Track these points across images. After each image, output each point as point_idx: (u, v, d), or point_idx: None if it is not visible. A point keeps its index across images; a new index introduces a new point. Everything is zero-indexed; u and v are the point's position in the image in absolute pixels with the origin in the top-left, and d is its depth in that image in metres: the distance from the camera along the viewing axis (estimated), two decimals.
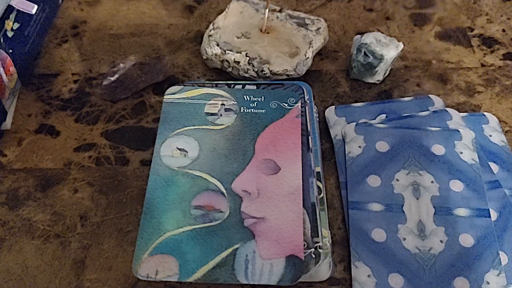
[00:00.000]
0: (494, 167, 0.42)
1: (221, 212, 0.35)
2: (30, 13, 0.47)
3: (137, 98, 0.49)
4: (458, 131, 0.44)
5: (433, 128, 0.44)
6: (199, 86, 0.43)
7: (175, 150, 0.38)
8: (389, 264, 0.37)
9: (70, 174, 0.43)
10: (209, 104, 0.41)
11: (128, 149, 0.45)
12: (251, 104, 0.41)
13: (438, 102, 0.48)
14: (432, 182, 0.41)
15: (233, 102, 0.41)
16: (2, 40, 0.45)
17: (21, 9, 0.46)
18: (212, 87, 0.43)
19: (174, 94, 0.42)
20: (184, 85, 0.43)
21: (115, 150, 0.45)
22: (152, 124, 0.46)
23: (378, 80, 0.50)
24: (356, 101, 0.49)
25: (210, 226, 0.34)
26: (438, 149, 0.42)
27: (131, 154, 0.44)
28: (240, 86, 0.44)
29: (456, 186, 0.40)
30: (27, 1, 0.47)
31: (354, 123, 0.45)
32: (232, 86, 0.43)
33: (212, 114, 0.40)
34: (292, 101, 0.41)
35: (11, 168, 0.44)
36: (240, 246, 0.34)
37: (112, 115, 0.47)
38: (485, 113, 0.47)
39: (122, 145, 0.45)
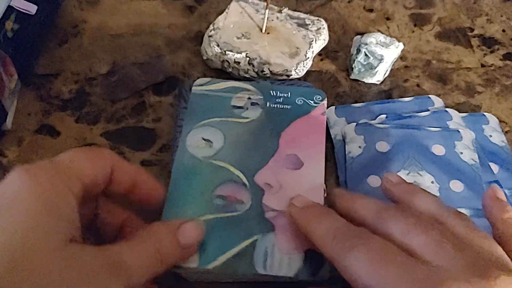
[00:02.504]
0: (494, 167, 0.42)
1: (243, 203, 0.35)
2: (30, 13, 0.47)
3: (137, 98, 0.49)
4: (458, 131, 0.44)
5: (433, 128, 0.44)
6: (227, 79, 0.43)
7: (201, 140, 0.38)
8: None
9: None
10: (236, 97, 0.41)
11: (128, 149, 0.45)
12: (277, 100, 0.41)
13: (438, 102, 0.48)
14: (432, 182, 0.41)
15: (260, 97, 0.41)
16: (2, 41, 0.45)
17: (21, 9, 0.46)
18: (240, 80, 0.43)
19: (202, 86, 0.42)
20: (212, 78, 0.44)
21: (115, 150, 0.45)
22: (152, 124, 0.46)
23: (378, 80, 0.50)
24: (356, 101, 0.49)
25: (232, 216, 0.34)
26: (438, 149, 0.42)
27: (131, 155, 0.45)
28: (268, 82, 0.45)
29: (456, 186, 0.40)
30: (27, 1, 0.47)
31: (354, 123, 0.45)
32: (258, 82, 0.43)
33: (238, 107, 0.41)
34: (318, 98, 0.41)
35: (11, 168, 0.44)
36: (260, 238, 0.33)
37: (112, 115, 0.47)
38: (485, 113, 0.47)
39: (122, 145, 0.45)
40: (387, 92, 0.50)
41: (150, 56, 0.52)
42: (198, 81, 0.42)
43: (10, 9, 0.46)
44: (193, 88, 0.42)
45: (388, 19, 0.57)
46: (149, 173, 0.33)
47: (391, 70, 0.51)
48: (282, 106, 0.41)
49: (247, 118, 0.40)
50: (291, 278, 0.32)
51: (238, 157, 0.37)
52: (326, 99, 0.41)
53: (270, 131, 0.39)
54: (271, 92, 0.42)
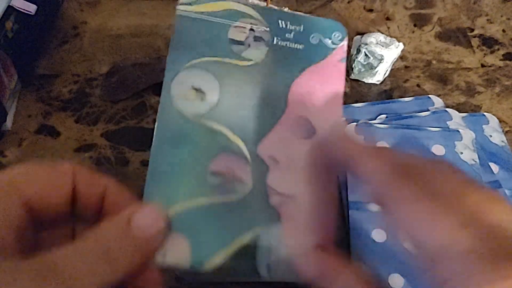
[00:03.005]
0: (495, 167, 0.42)
1: (243, 182, 0.28)
2: (29, 13, 0.47)
3: (137, 99, 0.49)
4: (458, 131, 0.44)
5: (433, 129, 0.44)
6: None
7: (190, 90, 0.29)
8: (389, 265, 0.37)
9: None
10: (235, 26, 0.31)
11: (128, 149, 0.45)
12: (287, 35, 0.31)
13: (438, 103, 0.48)
14: None
15: (265, 28, 0.31)
16: (2, 41, 0.45)
17: (20, 9, 0.46)
18: (239, 3, 0.32)
19: (190, 5, 0.30)
20: None
21: (115, 150, 0.45)
22: (152, 125, 0.46)
23: (378, 81, 0.50)
24: (356, 101, 0.49)
25: (230, 202, 0.27)
26: (438, 150, 0.42)
27: (131, 155, 0.45)
28: (276, 9, 0.34)
29: None
30: (27, 1, 0.47)
31: (354, 123, 0.45)
32: (263, 7, 0.33)
33: (238, 43, 0.30)
34: (338, 37, 0.31)
35: None
36: (264, 230, 0.27)
37: (112, 116, 0.47)
38: (485, 113, 0.47)
39: (122, 146, 0.45)
40: (387, 92, 0.50)
41: (150, 57, 0.52)
42: None
43: (10, 9, 0.46)
44: (178, 8, 0.30)
45: (388, 19, 0.57)
46: (122, 186, 0.27)
47: (391, 70, 0.51)
48: (293, 45, 0.31)
49: (248, 60, 0.30)
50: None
51: (237, 117, 0.29)
52: (346, 38, 0.32)
53: (277, 81, 0.30)
54: (280, 22, 0.31)
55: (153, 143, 0.28)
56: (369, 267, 0.36)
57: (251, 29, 0.31)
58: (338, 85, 0.30)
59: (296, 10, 0.54)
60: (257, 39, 0.31)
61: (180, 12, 0.30)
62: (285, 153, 0.29)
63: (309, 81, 0.30)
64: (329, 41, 0.31)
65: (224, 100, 0.29)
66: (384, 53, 0.48)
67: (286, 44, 0.31)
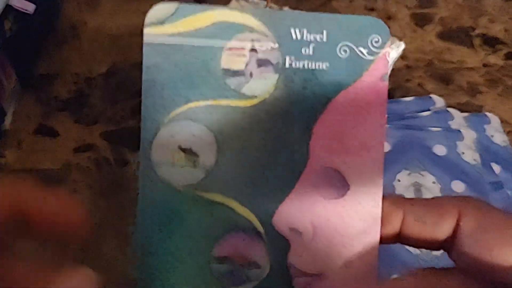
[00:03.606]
0: (496, 167, 0.42)
1: (258, 266, 0.22)
2: (28, 12, 0.47)
3: (136, 99, 0.48)
4: (460, 131, 0.43)
5: (434, 129, 0.44)
6: (208, 6, 0.22)
7: (177, 152, 0.22)
8: (391, 267, 0.36)
9: (69, 175, 0.43)
10: (230, 48, 0.22)
11: (128, 150, 0.45)
12: (304, 50, 0.22)
13: (440, 102, 0.47)
14: (433, 182, 0.40)
15: (272, 45, 0.22)
16: (0, 41, 0.44)
17: (19, 8, 0.46)
18: (233, 10, 0.22)
19: (162, 25, 0.21)
20: (181, 4, 0.22)
21: (114, 151, 0.45)
22: None
23: None
24: None
25: None
26: (440, 150, 0.42)
27: (130, 156, 0.44)
28: (285, 10, 0.24)
29: (458, 187, 0.40)
30: (26, 1, 0.47)
31: None
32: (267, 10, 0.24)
33: (235, 73, 0.22)
34: (377, 42, 0.22)
35: (10, 169, 0.44)
36: None
37: (112, 116, 0.47)
38: (487, 113, 0.47)
39: (122, 147, 0.45)
40: (389, 92, 0.49)
41: None
42: (154, 14, 0.21)
43: (8, 8, 0.46)
44: (146, 33, 0.21)
45: (389, 18, 0.57)
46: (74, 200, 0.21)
47: (393, 70, 0.51)
48: (314, 65, 0.22)
49: (252, 97, 0.22)
50: None
51: (242, 182, 0.22)
52: (389, 42, 0.23)
53: (293, 122, 0.22)
54: (293, 32, 0.22)
55: (136, 226, 0.22)
56: None
57: (253, 49, 0.22)
58: (379, 116, 0.22)
59: (295, 8, 0.54)
60: (262, 63, 0.22)
61: (149, 39, 0.21)
62: (310, 221, 0.22)
63: (338, 115, 0.22)
64: (365, 51, 0.22)
65: (224, 160, 0.22)
66: None
67: (303, 65, 0.22)
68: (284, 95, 0.22)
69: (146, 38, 0.21)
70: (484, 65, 0.52)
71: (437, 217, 0.21)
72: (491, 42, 0.55)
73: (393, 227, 0.21)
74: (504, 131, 0.45)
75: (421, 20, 0.57)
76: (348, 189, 0.22)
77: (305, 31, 0.22)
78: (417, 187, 0.40)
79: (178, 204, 0.22)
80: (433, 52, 0.53)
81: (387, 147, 0.42)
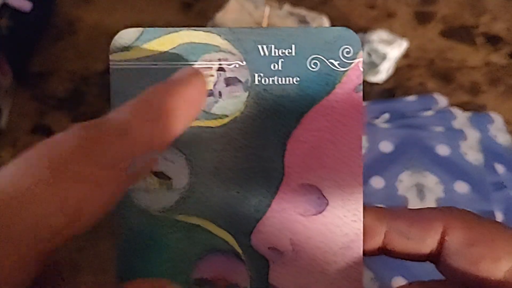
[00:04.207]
0: (500, 168, 0.42)
1: (238, 287, 0.22)
2: (24, 11, 0.47)
3: None
4: (463, 131, 0.43)
5: (437, 128, 0.43)
6: (171, 28, 0.22)
7: (150, 177, 0.22)
8: (393, 268, 0.36)
9: None
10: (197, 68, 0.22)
11: None
12: (273, 66, 0.22)
13: (442, 102, 0.47)
14: (436, 183, 0.40)
15: (240, 63, 0.22)
16: None
17: (15, 7, 0.45)
18: (198, 31, 0.22)
19: (127, 51, 0.22)
20: (145, 28, 0.22)
21: None
22: None
23: (381, 79, 0.49)
24: None
25: None
26: (443, 150, 0.42)
27: None
28: (251, 28, 0.24)
29: (461, 187, 0.40)
30: (23, 0, 0.46)
31: None
32: (232, 29, 0.23)
33: None
34: (348, 52, 0.22)
35: None
36: None
37: None
38: (490, 113, 0.46)
39: None
40: (390, 91, 0.49)
41: None
42: (120, 38, 0.22)
43: (4, 6, 0.45)
44: (111, 59, 0.22)
45: (391, 16, 0.57)
46: None
47: (394, 68, 0.51)
48: (284, 81, 0.22)
49: (222, 116, 0.22)
50: None
51: (218, 202, 0.22)
52: (361, 52, 0.22)
53: (267, 139, 0.22)
54: (260, 48, 0.22)
55: (116, 254, 0.21)
56: (371, 271, 0.36)
57: (220, 69, 0.22)
58: (355, 128, 0.22)
59: (295, 6, 0.54)
60: (230, 82, 0.22)
61: (116, 65, 0.22)
62: (289, 239, 0.22)
63: (313, 130, 0.22)
64: (336, 63, 0.22)
65: (198, 181, 0.22)
66: (387, 52, 0.47)
67: (273, 81, 0.22)
68: (255, 112, 0.22)
69: (112, 64, 0.22)
70: (486, 64, 0.52)
71: (421, 232, 0.20)
72: (493, 40, 0.54)
73: (376, 241, 0.21)
74: (507, 130, 0.45)
75: (422, 18, 0.57)
76: (327, 204, 0.22)
77: (272, 47, 0.22)
78: (420, 187, 0.40)
79: (156, 228, 0.21)
80: (434, 51, 0.53)
81: (389, 147, 0.42)
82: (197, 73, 0.19)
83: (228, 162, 0.22)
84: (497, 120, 0.46)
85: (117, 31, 0.21)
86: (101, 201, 0.17)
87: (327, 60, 0.22)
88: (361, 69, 0.22)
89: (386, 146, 0.42)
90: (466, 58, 0.53)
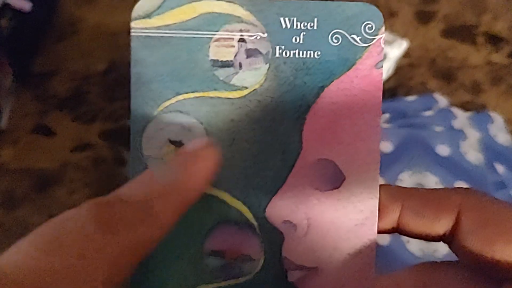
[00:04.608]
0: (500, 167, 0.42)
1: (251, 259, 0.22)
2: (25, 11, 0.47)
3: None
4: (463, 131, 0.43)
5: (437, 128, 0.43)
6: (193, 0, 0.22)
7: (167, 146, 0.22)
8: (392, 268, 0.36)
9: (67, 174, 0.43)
10: (218, 39, 0.22)
11: (126, 149, 0.44)
12: (294, 39, 0.22)
13: (442, 101, 0.47)
14: (436, 183, 0.40)
15: (261, 34, 0.22)
16: None
17: (16, 7, 0.45)
18: (220, 0, 0.22)
19: (149, 18, 0.21)
20: None
21: (112, 150, 0.44)
22: None
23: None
24: None
25: (236, 285, 0.22)
26: (443, 150, 0.42)
27: (128, 155, 0.44)
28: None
29: (461, 187, 0.40)
30: (23, 0, 0.46)
31: None
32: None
33: (224, 64, 0.22)
34: (370, 28, 0.22)
35: (6, 169, 0.43)
36: None
37: (110, 115, 0.47)
38: (490, 112, 0.46)
39: (120, 146, 0.44)
40: (391, 90, 0.49)
41: None
42: (141, 6, 0.21)
43: (5, 6, 0.45)
44: (133, 26, 0.21)
45: (391, 16, 0.56)
46: None
47: (395, 68, 0.50)
48: (305, 55, 0.22)
49: (242, 88, 0.22)
50: None
51: (234, 174, 0.22)
52: (383, 28, 0.22)
53: (285, 112, 0.22)
54: (282, 21, 0.22)
55: None
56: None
57: (241, 39, 0.22)
58: (374, 105, 0.21)
59: None
60: (251, 53, 0.22)
61: (136, 32, 0.21)
62: (304, 213, 0.22)
63: (331, 105, 0.22)
64: (358, 38, 0.22)
65: None
66: (388, 51, 0.47)
67: (294, 55, 0.22)
68: (275, 85, 0.22)
69: (133, 32, 0.21)
70: (487, 63, 0.52)
71: (436, 211, 0.20)
72: (494, 40, 0.54)
73: (391, 220, 0.21)
74: (507, 130, 0.45)
75: (423, 17, 0.56)
76: (343, 180, 0.21)
77: (294, 20, 0.21)
78: (420, 187, 0.40)
79: None
80: (436, 50, 0.53)
81: (389, 147, 0.42)
82: (209, 146, 0.19)
83: (246, 134, 0.22)
84: (497, 120, 0.45)
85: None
86: (132, 260, 0.18)
87: (349, 35, 0.21)
88: (383, 46, 0.21)
89: (386, 146, 0.42)
90: (467, 57, 0.52)
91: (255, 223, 0.21)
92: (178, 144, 0.21)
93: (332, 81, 0.21)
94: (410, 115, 0.45)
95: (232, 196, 0.21)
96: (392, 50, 0.47)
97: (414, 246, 0.37)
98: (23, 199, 0.42)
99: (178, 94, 0.21)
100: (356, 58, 0.21)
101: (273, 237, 0.21)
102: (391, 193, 0.21)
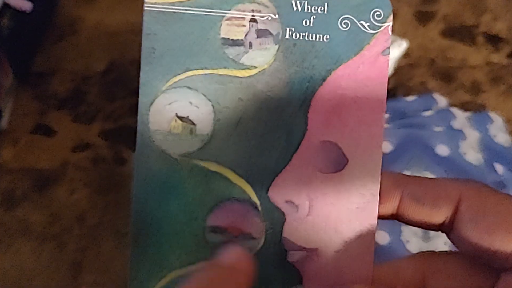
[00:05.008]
0: (499, 168, 0.42)
1: (252, 238, 0.22)
2: (25, 11, 0.47)
3: (135, 97, 0.48)
4: (462, 131, 0.43)
5: (437, 128, 0.43)
6: None
7: (175, 120, 0.22)
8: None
9: (67, 174, 0.43)
10: (230, 18, 0.22)
11: (126, 149, 0.44)
12: (304, 22, 0.22)
13: (442, 101, 0.47)
14: None
15: (272, 16, 0.22)
16: None
17: (16, 7, 0.45)
18: None
19: None
20: None
21: (112, 150, 0.44)
22: None
23: None
24: None
25: None
26: (442, 150, 0.42)
27: (129, 154, 0.44)
28: None
29: None
30: (23, 0, 0.46)
31: None
32: None
33: (234, 43, 0.22)
34: (379, 16, 0.22)
35: (7, 169, 0.43)
36: None
37: (110, 114, 0.47)
38: (490, 113, 0.46)
39: (120, 145, 0.45)
40: (391, 90, 0.49)
41: None
42: None
43: (5, 6, 0.45)
44: (147, 2, 0.22)
45: None
46: None
47: (395, 68, 0.51)
48: (314, 38, 0.22)
49: (251, 67, 0.22)
50: None
51: (239, 152, 0.22)
52: (391, 16, 0.22)
53: (292, 93, 0.22)
54: (293, 3, 0.22)
55: (133, 195, 0.22)
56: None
57: (253, 19, 0.22)
58: (379, 91, 0.22)
59: None
60: (261, 34, 0.22)
61: (150, 7, 0.22)
62: (306, 195, 0.22)
63: (338, 89, 0.22)
64: (366, 25, 0.22)
65: (221, 129, 0.22)
66: None
67: (303, 37, 0.22)
68: (283, 66, 0.22)
69: (146, 6, 0.22)
70: (487, 64, 0.52)
71: (436, 199, 0.20)
72: (494, 40, 0.54)
73: (391, 205, 0.21)
74: (507, 130, 0.45)
75: (423, 18, 0.56)
76: (346, 163, 0.22)
77: (306, 3, 0.22)
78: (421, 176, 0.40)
79: (174, 172, 0.22)
80: (435, 50, 0.53)
81: (388, 147, 0.42)
82: (245, 257, 0.20)
83: (252, 113, 0.22)
84: (497, 120, 0.45)
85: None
86: None
87: (358, 21, 0.22)
88: (390, 33, 0.22)
89: (386, 146, 0.42)
90: (467, 57, 0.52)
91: (258, 202, 0.22)
92: (185, 119, 0.22)
93: (340, 66, 0.22)
94: (410, 115, 0.45)
95: (235, 173, 0.22)
96: (392, 50, 0.47)
97: (414, 246, 0.37)
98: (23, 199, 0.42)
99: (187, 70, 0.22)
100: (364, 44, 0.22)
101: (275, 217, 0.22)
102: (393, 179, 0.21)
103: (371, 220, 0.22)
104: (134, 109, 0.49)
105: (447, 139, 0.42)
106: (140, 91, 0.22)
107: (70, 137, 0.45)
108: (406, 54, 0.52)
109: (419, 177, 0.21)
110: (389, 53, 0.22)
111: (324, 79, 0.22)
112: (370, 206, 0.22)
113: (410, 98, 0.47)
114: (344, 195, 0.22)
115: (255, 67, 0.22)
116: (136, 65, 0.50)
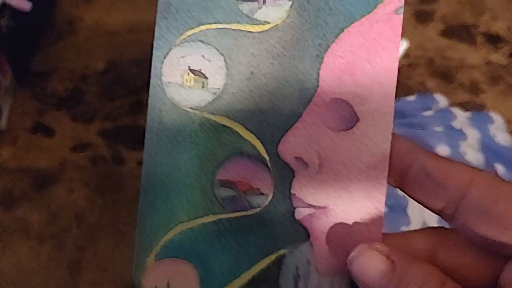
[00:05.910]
0: (500, 167, 0.42)
1: (261, 193, 0.22)
2: (24, 10, 0.47)
3: (134, 96, 0.48)
4: (463, 131, 0.43)
5: (437, 128, 0.43)
6: None
7: (187, 73, 0.22)
8: None
9: (66, 173, 0.43)
10: None
11: (125, 148, 0.44)
12: None
13: (442, 101, 0.47)
14: None
15: None
16: None
17: (15, 7, 0.45)
18: None
19: None
20: None
21: (111, 149, 0.44)
22: None
23: None
24: None
25: (244, 217, 0.22)
26: (442, 150, 0.42)
27: (128, 154, 0.44)
28: None
29: None
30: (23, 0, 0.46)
31: None
32: None
33: (248, 0, 0.23)
34: None
35: (6, 168, 0.43)
36: (289, 252, 0.22)
37: (109, 114, 0.47)
38: (490, 112, 0.46)
39: (119, 145, 0.44)
40: None
41: (147, 54, 0.51)
42: None
43: (4, 6, 0.45)
44: None
45: None
46: None
47: None
48: None
49: (264, 22, 0.22)
50: None
51: (250, 107, 0.22)
52: None
53: (304, 50, 0.22)
54: None
55: (144, 147, 0.22)
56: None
57: None
58: (392, 50, 0.22)
59: None
60: None
61: None
62: (316, 152, 0.22)
63: (350, 46, 0.22)
64: None
65: (233, 84, 0.22)
66: None
67: None
68: (296, 22, 0.22)
69: None
70: (486, 63, 0.52)
71: (446, 178, 0.20)
72: (493, 39, 0.54)
73: (399, 170, 0.20)
74: (507, 130, 0.45)
75: (422, 17, 0.57)
76: (357, 122, 0.21)
77: None
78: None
79: (185, 124, 0.22)
80: (434, 50, 0.53)
81: None
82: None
83: (264, 69, 0.22)
84: (497, 119, 0.46)
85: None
86: None
87: None
88: None
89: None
90: (466, 57, 0.52)
91: (267, 158, 0.22)
92: (198, 73, 0.22)
93: (353, 23, 0.22)
94: (410, 115, 0.45)
95: (246, 128, 0.22)
96: None
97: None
98: (22, 198, 0.42)
99: (201, 24, 0.22)
100: (378, 2, 0.22)
101: (284, 173, 0.21)
102: (409, 145, 0.21)
103: (382, 179, 0.21)
104: (133, 108, 0.49)
105: (447, 139, 0.42)
106: (155, 44, 0.22)
107: (69, 136, 0.45)
108: (406, 54, 0.52)
109: (434, 153, 0.21)
110: (402, 13, 0.22)
111: (337, 37, 0.22)
112: (381, 165, 0.21)
113: (410, 98, 0.47)
114: (355, 154, 0.21)
115: (268, 23, 0.22)
116: (135, 64, 0.50)
